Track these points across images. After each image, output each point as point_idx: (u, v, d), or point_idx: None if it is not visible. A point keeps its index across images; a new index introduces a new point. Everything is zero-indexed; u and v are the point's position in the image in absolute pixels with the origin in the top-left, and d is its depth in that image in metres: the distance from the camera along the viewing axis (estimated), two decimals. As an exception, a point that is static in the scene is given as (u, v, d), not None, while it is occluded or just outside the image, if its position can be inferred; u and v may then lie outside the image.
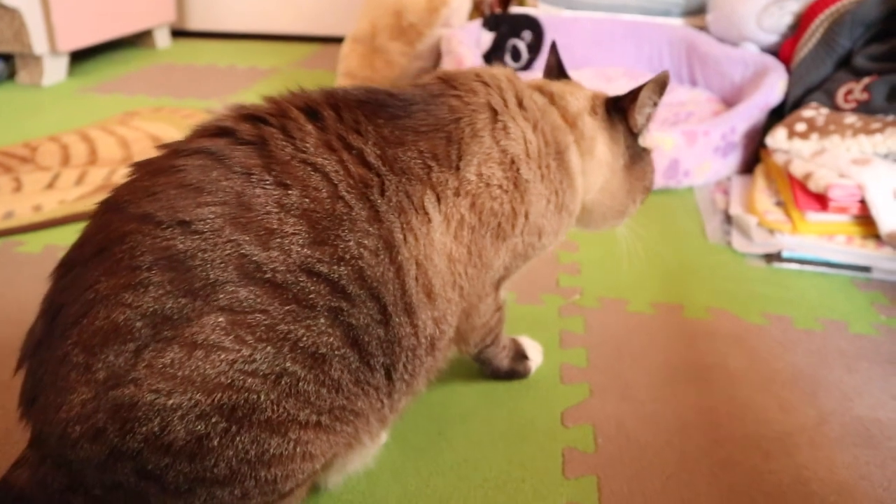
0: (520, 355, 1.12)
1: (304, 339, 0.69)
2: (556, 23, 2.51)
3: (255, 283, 0.67)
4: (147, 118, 2.34)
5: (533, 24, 2.48)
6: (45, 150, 2.04)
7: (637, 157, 0.98)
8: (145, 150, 2.04)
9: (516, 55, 2.47)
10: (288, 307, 0.68)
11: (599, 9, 2.61)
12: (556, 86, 0.98)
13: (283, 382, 0.68)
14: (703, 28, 2.46)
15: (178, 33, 3.80)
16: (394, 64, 2.38)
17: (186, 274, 0.65)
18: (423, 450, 0.97)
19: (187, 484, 0.67)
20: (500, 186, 0.83)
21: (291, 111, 0.75)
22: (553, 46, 1.08)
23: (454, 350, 0.97)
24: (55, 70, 2.79)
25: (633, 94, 0.93)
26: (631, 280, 1.43)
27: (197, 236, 0.66)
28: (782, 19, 2.17)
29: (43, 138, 2.13)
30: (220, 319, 0.65)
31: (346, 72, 2.47)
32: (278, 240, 0.68)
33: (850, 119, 1.65)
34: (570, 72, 1.08)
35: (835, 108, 1.74)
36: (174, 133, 2.19)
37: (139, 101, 2.56)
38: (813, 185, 1.53)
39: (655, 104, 0.96)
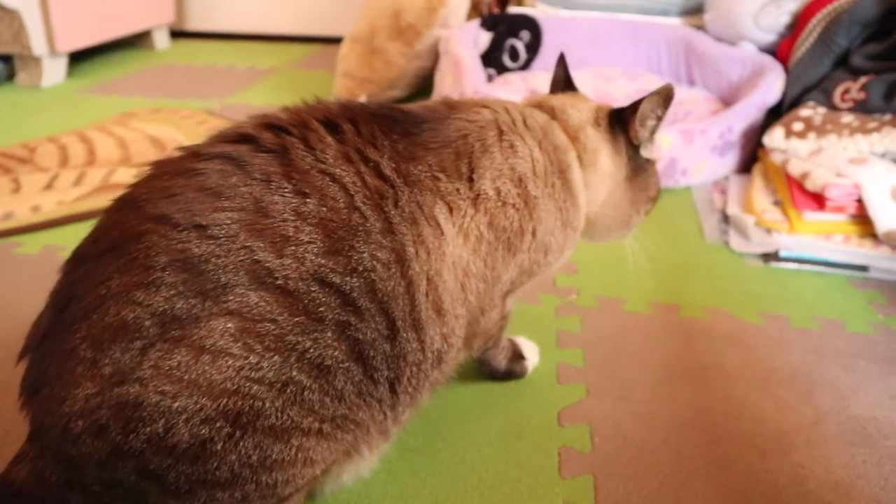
0: (517, 356, 1.12)
1: (311, 350, 0.69)
2: (554, 23, 2.51)
3: (266, 289, 0.67)
4: (145, 119, 2.34)
5: (531, 24, 2.48)
6: (44, 150, 2.04)
7: (640, 168, 0.98)
8: (143, 151, 2.05)
9: (514, 55, 2.47)
10: (297, 318, 0.68)
11: (597, 8, 2.61)
12: (558, 100, 0.99)
13: (288, 391, 0.68)
14: (700, 27, 2.46)
15: (177, 34, 3.80)
16: (392, 64, 2.38)
17: (199, 277, 0.65)
18: (419, 450, 0.97)
19: (188, 485, 0.67)
20: (513, 204, 0.85)
21: (312, 123, 0.76)
22: (561, 58, 1.09)
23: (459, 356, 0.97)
24: (54, 71, 2.79)
25: (634, 106, 0.94)
26: (628, 280, 1.43)
27: (212, 241, 0.66)
28: (780, 19, 2.17)
29: (41, 139, 2.13)
30: (230, 325, 0.65)
31: (344, 72, 2.47)
32: (293, 247, 0.68)
33: (848, 118, 1.65)
34: (569, 71, 1.08)
35: (832, 107, 1.74)
36: (173, 133, 2.20)
37: (138, 102, 2.57)
38: (810, 185, 1.53)
39: (660, 117, 0.95)
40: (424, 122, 0.83)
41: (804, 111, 1.73)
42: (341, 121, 0.77)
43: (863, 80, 1.70)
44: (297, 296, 0.68)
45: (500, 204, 0.84)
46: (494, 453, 0.98)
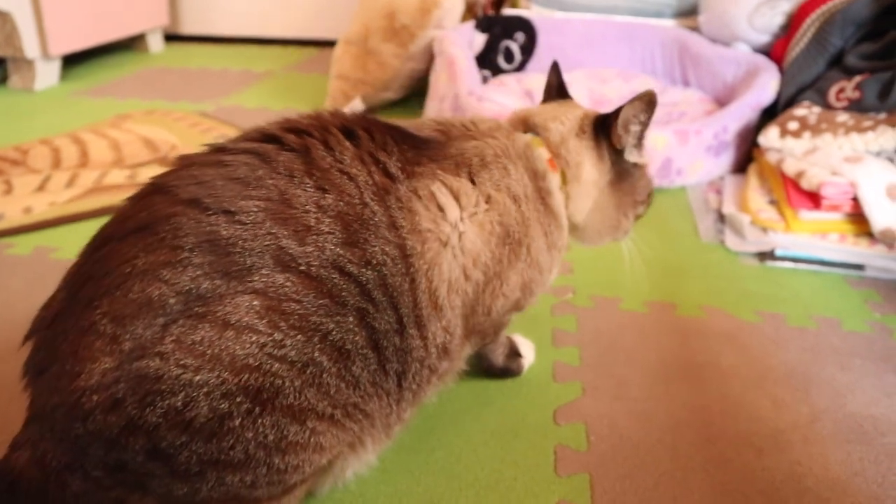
0: (514, 353, 1.12)
1: (334, 333, 0.71)
2: (549, 24, 2.50)
3: (291, 272, 0.70)
4: (139, 121, 2.33)
5: (525, 26, 2.48)
6: (37, 152, 2.03)
7: (625, 172, 0.98)
8: (137, 153, 2.04)
9: (509, 57, 2.47)
10: (321, 301, 0.71)
11: (592, 10, 2.60)
12: (541, 115, 0.99)
13: (308, 372, 0.70)
14: (695, 29, 2.46)
15: (172, 37, 3.80)
16: (386, 66, 2.37)
17: (226, 258, 0.68)
18: (413, 448, 0.97)
19: (199, 466, 0.67)
20: (513, 213, 0.88)
21: (331, 128, 0.81)
22: (555, 65, 1.10)
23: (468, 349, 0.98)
24: (47, 74, 2.78)
25: (616, 112, 0.94)
26: (623, 279, 1.43)
27: (240, 226, 0.69)
28: (774, 19, 2.17)
29: (34, 141, 2.12)
30: (255, 303, 0.67)
31: (338, 74, 2.47)
32: (314, 236, 0.71)
33: (843, 117, 1.65)
34: (563, 73, 1.08)
35: (827, 106, 1.74)
36: (166, 135, 2.19)
37: (132, 105, 2.56)
38: (805, 184, 1.53)
39: (643, 122, 0.95)
40: (431, 141, 0.88)
41: (799, 110, 1.73)
42: (357, 128, 0.82)
43: (857, 79, 1.71)
44: (320, 280, 0.71)
45: (505, 208, 0.87)
46: (490, 452, 0.97)
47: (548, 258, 0.95)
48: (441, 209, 0.81)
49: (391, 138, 0.83)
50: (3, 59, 2.76)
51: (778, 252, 1.52)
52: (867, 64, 1.73)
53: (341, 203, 0.74)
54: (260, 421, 0.67)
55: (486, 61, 2.43)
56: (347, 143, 0.79)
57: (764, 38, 2.21)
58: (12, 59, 2.71)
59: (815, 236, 1.51)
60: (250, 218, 0.70)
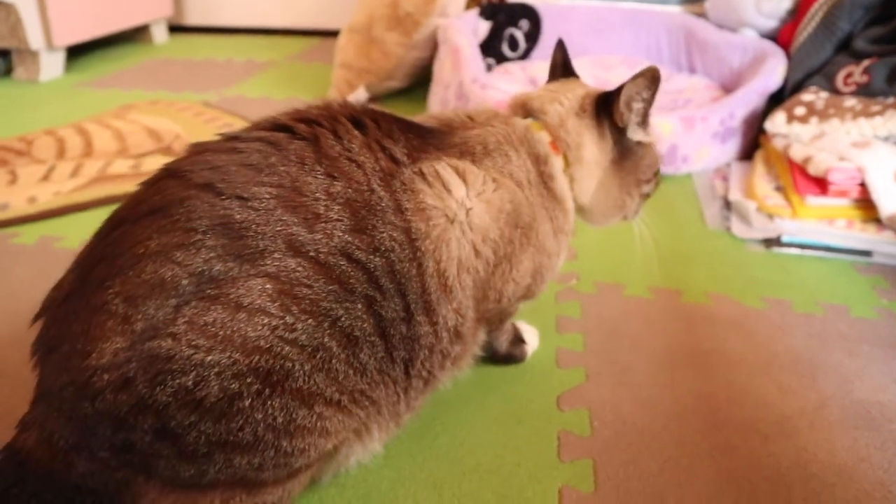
0: (517, 339, 1.11)
1: (343, 319, 0.72)
2: (554, 11, 2.49)
3: (302, 257, 0.70)
4: (143, 111, 2.33)
5: (530, 13, 2.46)
6: (41, 143, 2.03)
7: (628, 151, 0.97)
8: (141, 143, 2.03)
9: (513, 44, 2.45)
10: (331, 287, 0.71)
11: (597, -3, 2.59)
12: (539, 99, 0.99)
13: (318, 356, 0.70)
14: (701, 15, 2.44)
15: (176, 28, 3.79)
16: (390, 54, 2.36)
17: (239, 241, 0.68)
18: (417, 434, 0.96)
19: (207, 447, 0.67)
20: (517, 197, 0.87)
21: (340, 118, 0.82)
22: (560, 43, 1.09)
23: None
24: (52, 65, 2.78)
25: (619, 89, 0.93)
26: (628, 265, 1.42)
27: (252, 212, 0.70)
28: (781, 4, 2.15)
29: (39, 132, 2.12)
30: (268, 286, 0.68)
31: (342, 63, 2.46)
32: (323, 224, 0.72)
33: (850, 102, 1.63)
34: (567, 56, 1.07)
35: (834, 91, 1.73)
36: (170, 125, 2.19)
37: (136, 96, 2.55)
38: (813, 169, 1.51)
39: (646, 99, 0.94)
40: (435, 130, 0.89)
41: (806, 96, 1.71)
42: (365, 118, 0.83)
43: (866, 63, 1.69)
44: (329, 267, 0.71)
45: (512, 191, 0.87)
46: (493, 438, 0.97)
47: (554, 243, 0.94)
48: (447, 188, 0.81)
49: (397, 127, 0.84)
50: (7, 51, 2.76)
51: (784, 238, 1.50)
52: (875, 48, 1.71)
53: (350, 190, 0.75)
54: (269, 402, 0.68)
55: (491, 49, 2.42)
56: (356, 132, 0.80)
57: (771, 24, 2.19)
58: (16, 51, 2.71)
59: (821, 222, 1.50)
60: (262, 204, 0.70)
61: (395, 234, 0.76)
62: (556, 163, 0.94)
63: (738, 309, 1.29)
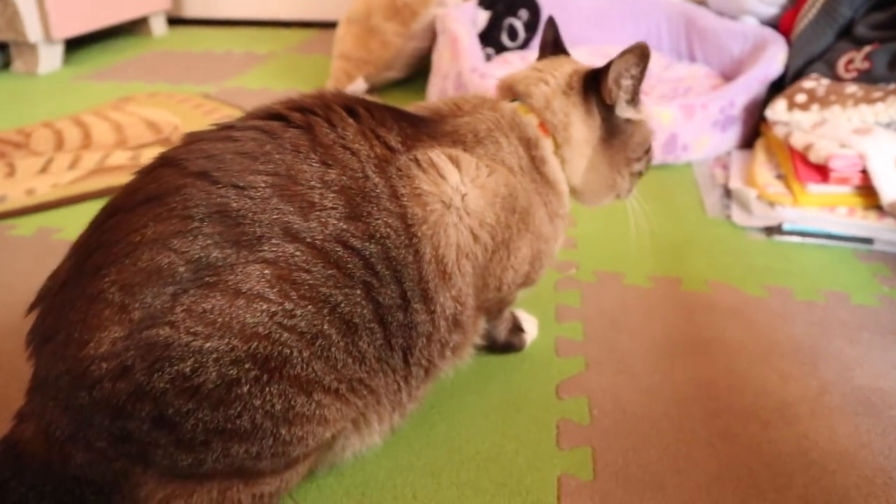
0: (516, 328, 1.11)
1: (343, 305, 0.72)
2: (553, 1, 2.47)
3: (300, 242, 0.70)
4: (142, 103, 2.33)
5: (529, 3, 2.45)
6: (39, 135, 2.02)
7: (617, 128, 0.96)
8: (140, 134, 2.03)
9: (513, 34, 2.44)
10: (330, 272, 0.71)
11: (597, -14, 2.57)
12: (524, 80, 0.98)
13: (317, 344, 0.70)
14: (701, 3, 2.42)
15: (174, 21, 3.78)
16: (389, 44, 2.35)
17: (236, 229, 0.68)
18: (414, 423, 0.96)
19: (205, 434, 0.66)
20: (512, 183, 0.87)
21: (334, 106, 0.81)
22: (550, 20, 1.08)
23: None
24: (50, 58, 2.77)
25: (607, 66, 0.92)
26: (627, 254, 1.41)
27: (249, 200, 0.70)
28: (782, -9, 2.14)
29: (37, 124, 2.12)
30: (266, 272, 0.68)
31: (340, 54, 2.45)
32: (317, 212, 0.72)
33: (852, 89, 1.62)
34: (568, 51, 1.06)
35: (836, 78, 1.71)
36: (169, 117, 2.18)
37: (135, 88, 2.55)
38: (814, 157, 1.50)
39: (635, 76, 0.93)
40: (427, 119, 0.89)
41: (807, 83, 1.70)
42: (359, 107, 0.83)
43: (867, 49, 1.67)
44: (326, 252, 0.71)
45: (506, 177, 0.86)
46: (491, 426, 0.96)
47: (551, 228, 0.94)
48: (441, 174, 0.81)
49: (390, 116, 0.84)
50: (5, 44, 2.75)
51: (785, 226, 1.50)
52: (877, 34, 1.70)
53: (344, 178, 0.75)
54: (268, 389, 0.67)
55: (490, 39, 2.41)
56: (350, 120, 0.80)
57: (772, 11, 2.18)
58: (15, 44, 2.71)
59: (823, 210, 1.49)
60: (258, 193, 0.70)
61: (390, 221, 0.75)
62: (547, 145, 0.94)
63: (739, 297, 1.28)
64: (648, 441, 0.94)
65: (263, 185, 0.71)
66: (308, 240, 0.71)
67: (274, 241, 0.69)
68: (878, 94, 1.55)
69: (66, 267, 0.71)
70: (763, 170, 1.64)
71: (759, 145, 1.79)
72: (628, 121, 0.96)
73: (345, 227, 0.73)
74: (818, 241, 1.48)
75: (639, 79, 0.93)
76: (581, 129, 0.94)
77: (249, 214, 0.69)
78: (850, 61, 1.70)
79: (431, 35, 2.32)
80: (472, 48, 2.09)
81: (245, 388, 0.66)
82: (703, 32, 2.27)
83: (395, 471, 0.89)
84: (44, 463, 0.69)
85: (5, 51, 2.77)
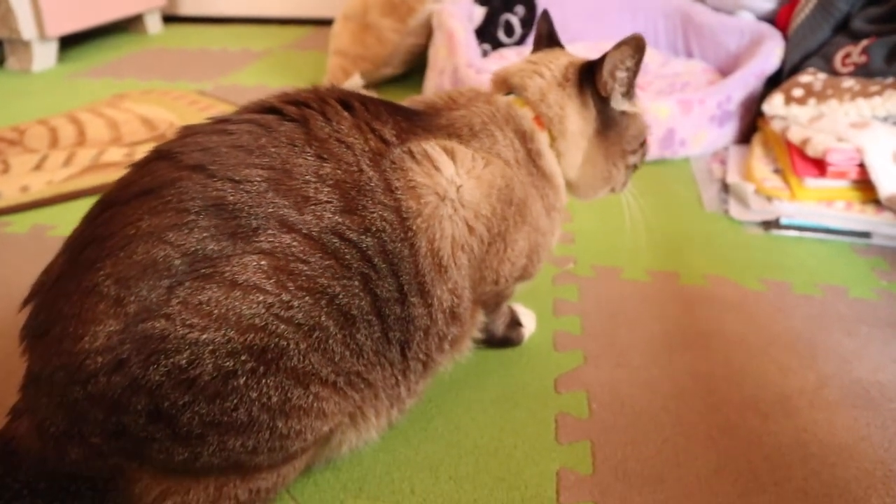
0: (514, 323, 1.11)
1: (341, 296, 0.72)
2: (550, -3, 2.47)
3: (297, 233, 0.70)
4: (136, 100, 2.31)
5: (526, -1, 2.44)
6: (33, 132, 2.01)
7: (612, 121, 0.95)
8: (134, 131, 2.02)
9: (509, 30, 2.43)
10: (328, 262, 0.71)
11: (593, -18, 2.56)
12: (519, 73, 0.97)
13: (314, 336, 0.70)
14: (698, -1, 2.42)
15: (170, 19, 3.77)
16: (385, 41, 2.34)
17: (233, 221, 0.68)
18: (412, 417, 0.95)
19: (201, 428, 0.66)
20: (508, 176, 0.86)
21: (329, 100, 0.81)
22: (545, 13, 1.07)
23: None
24: (45, 56, 2.76)
25: (602, 58, 0.92)
26: (625, 249, 1.41)
27: (245, 194, 0.69)
28: (779, -14, 2.13)
29: (31, 121, 2.10)
30: (263, 262, 0.67)
31: (337, 50, 2.44)
32: (313, 206, 0.72)
33: (849, 83, 1.61)
34: (564, 47, 1.05)
35: (833, 72, 1.71)
36: (164, 114, 2.17)
37: (130, 85, 2.54)
38: (811, 151, 1.50)
39: (630, 68, 0.92)
40: (421, 113, 0.89)
41: (804, 77, 1.70)
42: (354, 100, 0.82)
43: (864, 43, 1.67)
44: (324, 243, 0.71)
45: (502, 170, 0.86)
46: (490, 420, 0.96)
47: (548, 221, 0.94)
48: (436, 166, 0.80)
49: (384, 110, 0.84)
50: (-1, 41, 2.74)
51: (783, 221, 1.49)
52: (874, 27, 1.70)
53: (339, 171, 0.74)
54: (264, 381, 0.67)
55: (486, 35, 2.40)
56: (345, 113, 0.80)
57: (768, 6, 2.17)
58: (8, 41, 2.69)
59: (820, 204, 1.49)
60: (254, 187, 0.70)
61: (385, 214, 0.75)
62: (542, 138, 0.93)
63: (737, 291, 1.28)
64: (647, 435, 0.94)
65: (259, 178, 0.70)
66: (305, 231, 0.70)
67: (270, 232, 0.69)
68: (875, 88, 1.55)
69: (60, 261, 0.71)
70: (760, 164, 1.64)
71: (757, 140, 1.78)
72: (623, 113, 0.96)
73: (340, 220, 0.72)
74: (816, 235, 1.48)
75: (634, 71, 0.92)
76: (576, 121, 0.94)
77: (245, 208, 0.69)
78: (847, 55, 1.69)
79: (428, 31, 2.31)
80: (468, 44, 2.08)
81: (241, 381, 0.66)
82: (699, 28, 2.27)
83: (392, 465, 0.88)
84: (38, 459, 0.69)
85: (-1, 48, 2.77)
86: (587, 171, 0.97)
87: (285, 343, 0.68)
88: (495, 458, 0.90)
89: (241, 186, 0.70)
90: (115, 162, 1.79)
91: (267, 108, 0.80)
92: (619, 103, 0.95)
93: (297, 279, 0.69)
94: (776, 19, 2.12)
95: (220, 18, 3.82)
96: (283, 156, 0.73)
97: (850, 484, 0.86)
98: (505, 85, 0.98)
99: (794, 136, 1.56)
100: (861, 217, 1.46)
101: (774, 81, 1.90)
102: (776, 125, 1.65)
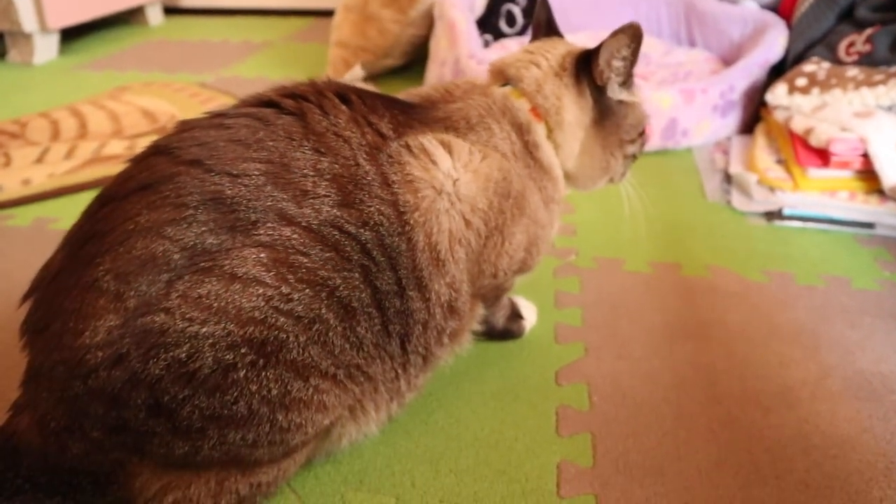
0: (515, 315, 1.10)
1: (341, 289, 0.72)
2: (552, -14, 2.45)
3: (296, 226, 0.70)
4: (138, 92, 2.31)
5: (528, -12, 2.43)
6: (35, 125, 2.01)
7: (609, 110, 0.95)
8: (136, 123, 2.02)
9: (511, 20, 2.42)
10: (328, 254, 0.71)
11: (596, -29, 2.54)
12: (515, 64, 0.96)
13: (314, 328, 0.70)
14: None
15: (171, 10, 3.76)
16: (386, 32, 2.33)
17: (231, 215, 0.68)
18: (412, 410, 0.95)
19: (201, 421, 0.66)
20: (505, 169, 0.86)
21: (327, 93, 0.81)
22: (543, 2, 1.06)
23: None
24: (46, 48, 2.75)
25: (598, 47, 0.91)
26: (627, 240, 1.41)
27: (243, 188, 0.69)
28: (783, -25, 2.11)
29: (33, 114, 2.10)
30: (262, 255, 0.67)
31: (338, 41, 2.43)
32: (311, 200, 0.72)
33: (853, 72, 1.60)
34: (566, 36, 1.05)
35: (836, 61, 1.70)
36: (166, 106, 2.17)
37: (131, 77, 2.53)
38: (814, 140, 1.49)
39: (626, 57, 0.91)
40: (418, 106, 0.88)
41: (808, 66, 1.68)
42: (351, 94, 0.82)
43: (868, 31, 1.66)
44: (324, 235, 0.71)
45: (499, 163, 0.85)
46: (490, 413, 0.96)
47: (546, 214, 0.93)
48: (433, 160, 0.80)
49: (381, 104, 0.83)
50: (0, 34, 2.73)
51: (786, 211, 1.49)
52: (878, 16, 1.68)
53: (336, 166, 0.74)
54: (264, 374, 0.67)
55: (488, 25, 2.39)
56: (343, 107, 0.80)
57: (772, -5, 2.16)
58: (10, 34, 2.68)
59: (823, 194, 1.48)
60: (252, 181, 0.70)
61: (382, 209, 0.75)
62: (539, 130, 0.92)
63: (739, 282, 1.27)
64: (648, 427, 0.93)
65: (257, 172, 0.70)
66: (304, 224, 0.70)
67: (269, 224, 0.69)
68: (879, 77, 1.54)
69: (59, 257, 0.71)
70: (763, 154, 1.63)
71: (760, 130, 1.77)
72: (621, 102, 0.95)
73: (339, 213, 0.72)
74: (819, 225, 1.47)
75: (631, 60, 0.92)
76: (573, 111, 0.93)
77: (244, 202, 0.69)
78: (852, 44, 1.68)
79: (429, 22, 2.30)
80: (469, 35, 2.07)
81: (241, 374, 0.66)
82: (702, 16, 2.25)
83: (393, 458, 0.88)
84: (40, 454, 0.69)
85: (0, 41, 2.75)
86: (585, 161, 0.96)
87: (285, 336, 0.68)
88: (496, 450, 0.90)
89: (239, 180, 0.69)
90: (116, 155, 1.79)
91: (264, 102, 0.80)
92: (616, 93, 0.94)
93: (297, 271, 0.69)
94: (780, 8, 2.11)
95: (221, 10, 3.80)
96: (280, 150, 0.73)
97: (851, 476, 0.86)
98: (501, 76, 0.97)
99: (798, 125, 1.55)
100: (864, 207, 1.45)
101: (778, 71, 1.89)
102: (779, 115, 1.64)
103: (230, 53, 2.93)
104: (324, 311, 0.70)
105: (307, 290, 0.69)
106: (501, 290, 0.98)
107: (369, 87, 0.88)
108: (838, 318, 1.17)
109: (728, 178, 1.66)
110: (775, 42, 1.89)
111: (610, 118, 0.95)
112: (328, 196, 0.72)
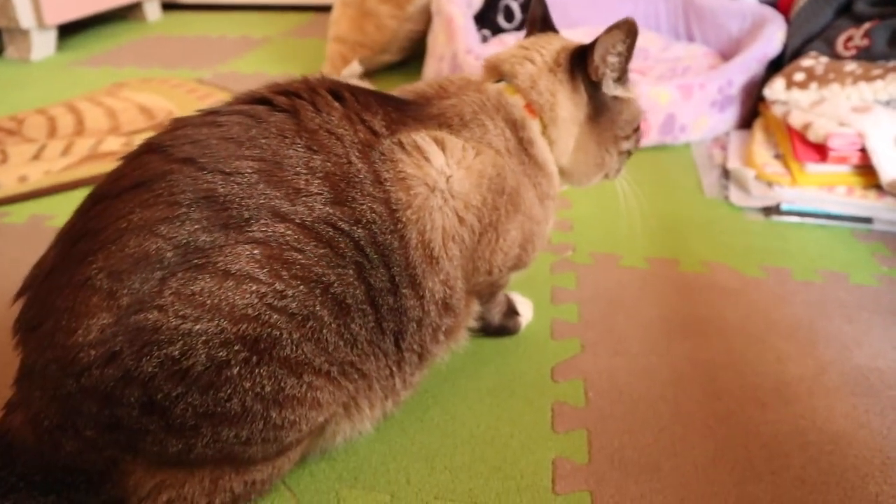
0: (511, 311, 1.10)
1: (336, 285, 0.71)
2: (550, -19, 2.44)
3: (290, 223, 0.70)
4: (135, 88, 2.31)
5: (526, -17, 2.42)
6: (32, 122, 2.01)
7: (604, 106, 0.94)
8: (133, 120, 2.01)
9: (509, 15, 2.41)
10: (322, 251, 0.71)
11: (594, -35, 2.54)
12: (509, 60, 0.96)
13: (308, 325, 0.70)
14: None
15: (169, 6, 3.75)
16: (384, 27, 2.33)
17: (224, 213, 0.68)
18: (408, 407, 0.95)
19: (194, 419, 0.66)
20: (499, 166, 0.86)
21: (319, 90, 0.81)
22: None
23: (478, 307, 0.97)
24: (43, 44, 2.75)
25: (593, 43, 0.90)
26: (624, 236, 1.40)
27: (236, 185, 0.69)
28: (781, -31, 2.11)
29: (30, 111, 2.10)
30: (256, 252, 0.67)
31: (336, 37, 2.42)
32: (304, 198, 0.71)
33: (851, 66, 1.60)
34: (565, 32, 1.04)
35: (835, 56, 1.69)
36: (163, 103, 2.16)
37: (129, 74, 2.53)
38: (812, 135, 1.49)
39: (621, 53, 0.91)
40: (412, 103, 0.88)
41: (806, 61, 1.68)
42: (344, 91, 0.82)
43: (866, 26, 1.65)
44: (318, 232, 0.71)
45: (493, 160, 0.85)
46: (486, 409, 0.96)
47: (541, 210, 0.93)
48: (426, 157, 0.80)
49: (375, 100, 0.83)
50: (-3, 30, 2.73)
51: (784, 206, 1.48)
52: (876, 10, 1.68)
53: (329, 163, 0.74)
54: (257, 371, 0.67)
55: (486, 20, 2.38)
56: (336, 104, 0.79)
57: (771, -11, 2.15)
58: (7, 30, 2.68)
59: (821, 189, 1.48)
60: (245, 179, 0.70)
61: (374, 206, 0.75)
62: (534, 126, 0.92)
63: (737, 277, 1.27)
64: (644, 423, 0.93)
65: (250, 170, 0.70)
66: (298, 220, 0.70)
67: (263, 221, 0.69)
68: (877, 72, 1.53)
69: (52, 254, 0.71)
70: (761, 149, 1.62)
71: (758, 125, 1.77)
72: (616, 98, 0.94)
73: (331, 211, 0.72)
74: (817, 220, 1.47)
75: (626, 56, 0.91)
76: (567, 106, 0.93)
77: (237, 199, 0.68)
78: (850, 39, 1.68)
79: (427, 17, 2.29)
80: (467, 30, 2.06)
81: (235, 371, 0.66)
82: (701, 11, 2.24)
83: (388, 455, 0.88)
84: (33, 452, 0.69)
85: (-2, 37, 2.75)
86: (579, 157, 0.96)
87: (279, 332, 0.68)
88: (491, 447, 0.89)
89: (232, 178, 0.69)
90: (113, 151, 1.79)
91: (257, 99, 0.79)
92: (611, 88, 0.93)
93: (291, 268, 0.68)
94: (778, 2, 2.10)
95: (219, 6, 3.79)
96: (273, 147, 0.73)
97: (847, 472, 0.86)
98: (496, 72, 0.97)
99: (796, 120, 1.55)
100: (862, 202, 1.45)
101: (776, 65, 1.89)
102: (777, 110, 1.63)
103: (228, 49, 2.92)
104: (318, 307, 0.70)
105: (301, 287, 0.69)
106: (497, 287, 0.98)
107: (365, 83, 0.88)
108: (836, 313, 1.17)
109: (726, 174, 1.66)
110: (773, 37, 1.89)
111: (605, 114, 0.94)
112: (320, 194, 0.72)
